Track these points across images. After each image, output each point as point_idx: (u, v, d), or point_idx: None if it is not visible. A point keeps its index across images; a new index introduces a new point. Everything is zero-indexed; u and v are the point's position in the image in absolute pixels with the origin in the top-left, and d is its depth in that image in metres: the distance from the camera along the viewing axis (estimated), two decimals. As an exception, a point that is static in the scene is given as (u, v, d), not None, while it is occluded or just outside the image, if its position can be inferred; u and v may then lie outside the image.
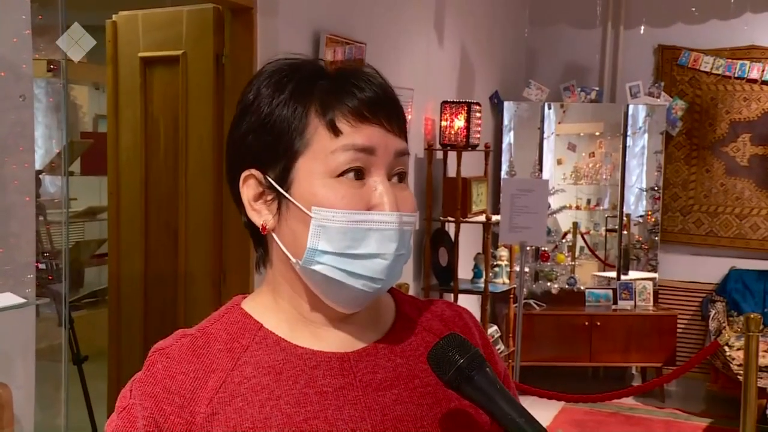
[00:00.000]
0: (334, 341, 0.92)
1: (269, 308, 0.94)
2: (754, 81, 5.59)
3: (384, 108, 0.89)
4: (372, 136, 0.87)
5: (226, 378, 0.88)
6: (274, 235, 0.90)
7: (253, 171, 0.90)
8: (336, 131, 0.86)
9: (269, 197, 0.90)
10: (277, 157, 0.88)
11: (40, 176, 4.05)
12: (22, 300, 1.98)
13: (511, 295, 5.10)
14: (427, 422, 0.90)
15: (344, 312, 0.91)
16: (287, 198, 0.88)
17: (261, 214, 0.91)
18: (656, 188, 5.76)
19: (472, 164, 4.92)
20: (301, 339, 0.92)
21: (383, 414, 0.89)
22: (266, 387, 0.87)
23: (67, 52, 2.27)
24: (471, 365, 0.84)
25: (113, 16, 3.62)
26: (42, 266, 2.64)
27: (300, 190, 0.87)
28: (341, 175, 0.86)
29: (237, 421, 0.85)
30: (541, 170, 5.61)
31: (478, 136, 4.66)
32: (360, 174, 0.87)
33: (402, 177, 0.92)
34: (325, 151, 0.86)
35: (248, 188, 0.91)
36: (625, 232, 5.75)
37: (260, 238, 0.94)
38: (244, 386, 0.87)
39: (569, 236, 5.83)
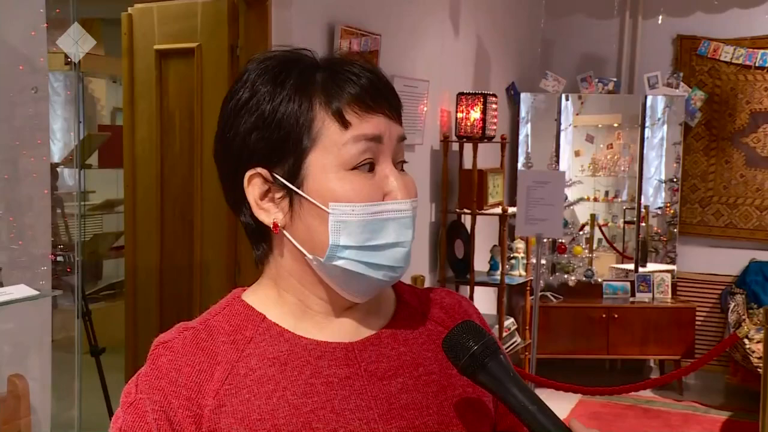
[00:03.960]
0: (337, 331, 0.92)
1: (272, 300, 0.93)
2: (775, 71, 5.52)
3: (384, 95, 0.89)
4: (378, 124, 0.88)
5: (232, 370, 0.87)
6: (286, 233, 0.89)
7: (259, 170, 0.89)
8: (345, 123, 0.86)
9: (278, 195, 0.89)
10: (286, 154, 0.87)
11: (58, 169, 4.09)
12: (35, 292, 2.00)
13: (528, 288, 5.08)
14: (433, 410, 0.91)
15: (358, 301, 0.91)
16: (301, 195, 0.87)
17: (270, 213, 0.90)
18: (675, 180, 5.71)
19: (488, 156, 4.90)
20: (304, 330, 0.91)
21: (389, 403, 0.89)
22: (272, 378, 0.87)
23: (67, 51, 2.28)
24: (485, 352, 0.85)
25: (129, 8, 3.64)
26: (60, 259, 2.66)
27: (314, 185, 0.87)
28: (354, 168, 0.86)
29: (244, 412, 0.85)
30: (558, 162, 5.57)
31: (495, 127, 4.63)
32: (371, 166, 0.88)
33: (401, 164, 0.93)
34: (336, 144, 0.86)
35: (254, 187, 0.90)
36: (643, 224, 5.71)
37: (261, 236, 0.93)
38: (250, 378, 0.87)
39: (587, 228, 5.80)
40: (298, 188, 0.87)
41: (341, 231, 0.86)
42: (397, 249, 0.88)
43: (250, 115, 0.88)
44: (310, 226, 0.87)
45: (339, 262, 0.87)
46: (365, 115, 0.87)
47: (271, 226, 0.89)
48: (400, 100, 0.93)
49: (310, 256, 0.88)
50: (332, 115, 0.86)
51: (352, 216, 0.85)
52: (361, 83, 0.87)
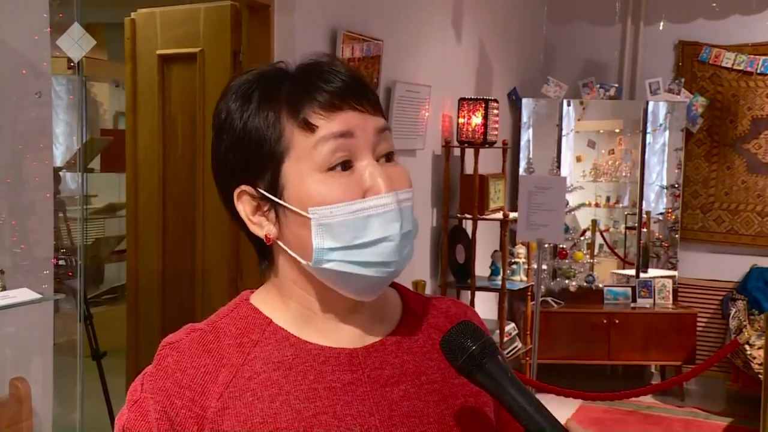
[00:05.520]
0: (342, 337, 0.93)
1: (278, 305, 0.94)
2: (777, 77, 5.52)
3: (352, 92, 0.88)
4: (347, 120, 0.87)
5: (236, 373, 0.88)
6: (280, 243, 0.91)
7: (244, 187, 0.90)
8: (311, 128, 0.87)
9: (266, 208, 0.90)
10: (262, 167, 0.88)
11: (60, 173, 4.08)
12: (38, 295, 2.00)
13: (529, 293, 5.08)
14: (433, 418, 0.91)
15: (362, 300, 0.91)
16: (282, 205, 0.88)
17: (262, 227, 0.91)
18: (676, 185, 5.71)
19: (489, 161, 4.90)
20: (309, 335, 0.92)
21: (391, 410, 0.89)
22: (276, 382, 0.88)
23: (67, 51, 2.28)
24: (483, 352, 0.85)
25: (132, 13, 3.65)
26: (62, 263, 2.66)
27: (293, 193, 0.87)
28: (330, 169, 0.86)
29: (247, 415, 0.86)
30: (559, 167, 5.58)
31: (496, 133, 4.64)
32: (347, 164, 0.87)
33: (390, 156, 0.91)
34: (306, 149, 0.86)
35: (244, 204, 0.91)
36: (644, 230, 5.71)
37: (265, 251, 0.95)
38: (254, 381, 0.88)
39: (588, 234, 5.80)
40: (279, 198, 0.88)
41: (324, 234, 0.86)
42: (385, 244, 0.87)
43: (226, 134, 0.90)
44: (297, 233, 0.88)
45: (328, 265, 0.87)
46: (332, 115, 0.87)
47: (264, 238, 0.91)
48: (375, 93, 0.92)
49: (305, 262, 0.89)
50: (298, 123, 0.87)
51: (332, 218, 0.85)
52: (329, 88, 0.87)
